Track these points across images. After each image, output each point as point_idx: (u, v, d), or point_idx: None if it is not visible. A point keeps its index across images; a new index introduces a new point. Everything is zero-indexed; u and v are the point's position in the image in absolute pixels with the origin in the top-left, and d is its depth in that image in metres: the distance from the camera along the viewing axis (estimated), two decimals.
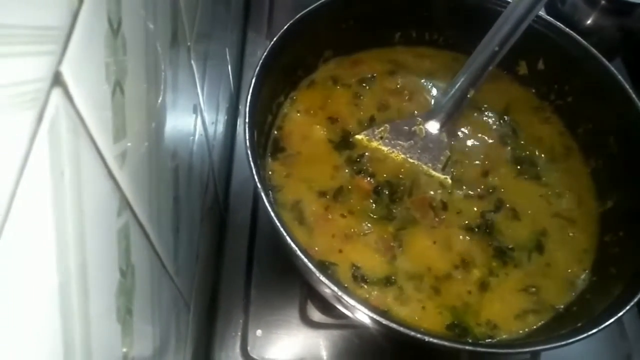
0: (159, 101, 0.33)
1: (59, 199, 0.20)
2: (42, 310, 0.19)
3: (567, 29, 0.57)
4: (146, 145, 0.31)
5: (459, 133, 0.59)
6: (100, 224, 0.25)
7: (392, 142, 0.56)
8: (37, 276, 0.19)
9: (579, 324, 0.44)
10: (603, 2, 0.77)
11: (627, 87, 0.53)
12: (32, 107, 0.17)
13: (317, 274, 0.41)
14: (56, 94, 0.19)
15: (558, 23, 0.57)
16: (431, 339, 0.40)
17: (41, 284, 0.19)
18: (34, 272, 0.19)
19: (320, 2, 0.55)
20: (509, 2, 0.53)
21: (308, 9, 0.55)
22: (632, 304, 0.43)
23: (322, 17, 0.56)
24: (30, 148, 0.17)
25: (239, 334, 0.56)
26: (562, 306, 0.50)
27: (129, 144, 0.27)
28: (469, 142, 0.59)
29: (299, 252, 0.41)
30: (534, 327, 0.49)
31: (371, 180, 0.54)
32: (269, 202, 0.44)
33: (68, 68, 0.19)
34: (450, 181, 0.55)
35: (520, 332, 0.49)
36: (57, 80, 0.19)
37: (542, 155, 0.59)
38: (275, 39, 0.53)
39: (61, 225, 0.20)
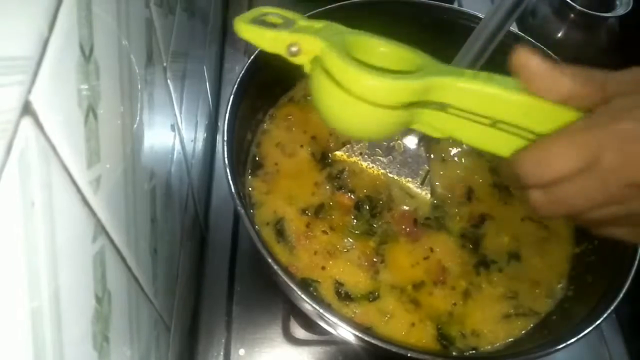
0: (135, 123, 0.33)
1: (29, 228, 0.20)
2: (12, 340, 0.19)
3: (538, 44, 0.58)
4: (122, 169, 0.30)
5: (437, 147, 0.60)
6: (74, 250, 0.24)
7: (372, 157, 0.56)
8: (7, 306, 0.19)
9: (559, 333, 0.45)
10: (572, 15, 0.79)
11: None
12: (0, 138, 0.17)
13: (299, 291, 0.40)
14: (26, 124, 0.18)
15: (528, 38, 0.59)
16: (413, 354, 0.40)
17: (11, 314, 0.19)
18: (3, 302, 0.18)
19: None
20: (481, 18, 0.54)
21: None
22: (609, 311, 0.43)
23: None
24: None
25: (222, 353, 0.55)
26: (542, 315, 0.51)
27: (103, 169, 0.27)
28: (447, 156, 0.60)
29: (279, 271, 0.41)
30: (516, 337, 0.50)
31: (352, 196, 0.55)
32: (249, 220, 0.43)
33: (38, 97, 0.19)
34: (429, 195, 0.55)
35: (503, 342, 0.49)
36: (27, 109, 0.18)
37: None
38: (253, 55, 0.53)
39: (32, 254, 0.20)
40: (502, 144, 0.32)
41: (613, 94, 0.29)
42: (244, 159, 0.56)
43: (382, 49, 0.37)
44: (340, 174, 0.56)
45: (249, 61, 0.53)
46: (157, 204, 0.39)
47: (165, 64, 0.42)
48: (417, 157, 0.55)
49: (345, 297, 0.50)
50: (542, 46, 0.58)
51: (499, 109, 0.32)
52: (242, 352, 0.55)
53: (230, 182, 0.45)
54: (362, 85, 0.31)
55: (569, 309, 0.50)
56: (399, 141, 0.56)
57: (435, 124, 0.34)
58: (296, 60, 0.36)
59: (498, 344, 0.49)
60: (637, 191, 0.28)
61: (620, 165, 0.28)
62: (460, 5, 0.86)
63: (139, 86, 0.34)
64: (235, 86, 0.51)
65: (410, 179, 0.56)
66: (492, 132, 0.32)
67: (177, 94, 0.47)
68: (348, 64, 0.32)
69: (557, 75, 0.30)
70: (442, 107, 0.33)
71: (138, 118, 0.34)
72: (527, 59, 0.31)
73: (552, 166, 0.29)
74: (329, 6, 0.57)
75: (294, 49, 0.35)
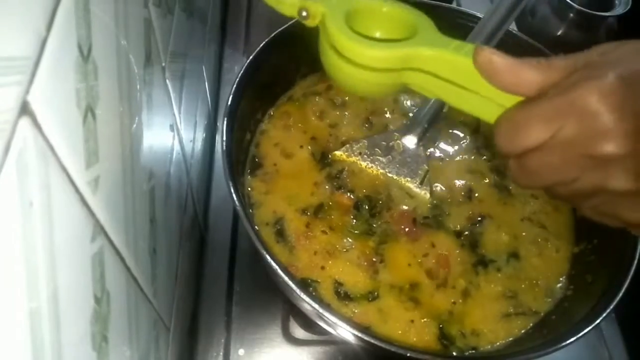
0: (133, 123, 0.33)
1: (27, 229, 0.20)
2: (11, 340, 0.19)
3: (537, 43, 0.58)
4: (120, 169, 0.30)
5: (436, 146, 0.60)
6: (72, 251, 0.24)
7: (371, 157, 0.56)
8: (6, 306, 0.19)
9: (559, 333, 0.44)
10: (572, 15, 0.79)
11: None
12: None
13: (298, 291, 0.40)
14: (24, 124, 0.18)
15: (527, 37, 0.59)
16: (413, 354, 0.40)
17: (10, 315, 0.19)
18: (2, 303, 0.18)
19: (297, 19, 0.56)
20: (480, 18, 0.54)
21: (285, 25, 0.55)
22: (608, 311, 0.43)
23: (299, 33, 0.56)
24: None
25: (221, 353, 0.55)
26: (542, 314, 0.51)
27: (102, 169, 0.27)
28: (446, 156, 0.60)
29: (279, 271, 0.41)
30: (516, 336, 0.50)
31: (351, 195, 0.55)
32: (248, 220, 0.43)
33: (36, 97, 0.19)
34: (428, 195, 0.55)
35: (502, 341, 0.49)
36: (25, 109, 0.18)
37: None
38: (252, 55, 0.53)
39: (31, 255, 0.20)
40: (486, 110, 0.33)
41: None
42: (243, 159, 0.56)
43: (384, 9, 0.39)
44: (340, 173, 0.56)
45: (248, 61, 0.53)
46: (156, 204, 0.39)
47: (164, 64, 0.42)
48: (417, 157, 0.55)
49: (345, 296, 0.49)
50: (541, 45, 0.58)
51: (470, 80, 0.33)
52: (241, 352, 0.55)
53: (230, 182, 0.45)
54: (349, 50, 0.35)
55: (568, 308, 0.50)
56: (398, 141, 0.56)
57: (426, 86, 0.36)
58: (308, 23, 0.39)
59: (498, 344, 0.49)
60: (591, 162, 0.28)
61: (576, 135, 0.28)
62: (459, 5, 0.86)
63: (138, 86, 0.34)
64: (234, 86, 0.51)
65: (409, 179, 0.56)
66: (477, 98, 0.33)
67: (175, 94, 0.47)
68: (338, 30, 0.35)
69: (523, 69, 0.30)
70: (428, 71, 0.35)
71: (137, 118, 0.34)
72: (489, 55, 0.31)
73: (519, 137, 0.30)
74: None
75: (304, 13, 0.38)
